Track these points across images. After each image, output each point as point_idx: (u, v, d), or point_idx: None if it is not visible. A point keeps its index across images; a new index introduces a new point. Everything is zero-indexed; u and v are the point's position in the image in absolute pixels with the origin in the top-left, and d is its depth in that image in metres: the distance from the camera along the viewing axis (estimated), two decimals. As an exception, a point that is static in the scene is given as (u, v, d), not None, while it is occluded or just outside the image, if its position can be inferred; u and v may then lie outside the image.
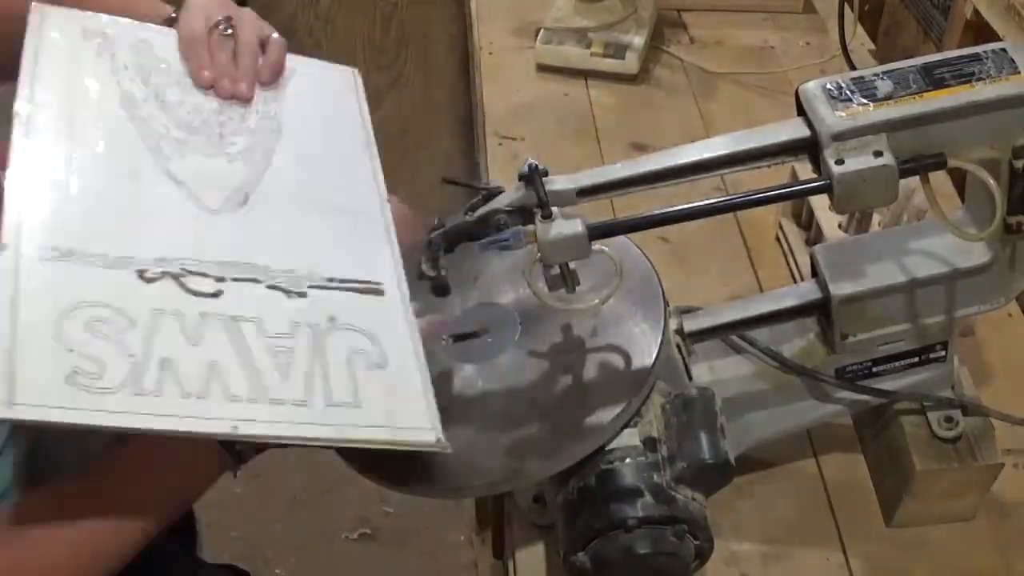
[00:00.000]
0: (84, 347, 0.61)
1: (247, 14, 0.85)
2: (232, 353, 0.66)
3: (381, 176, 0.85)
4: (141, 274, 0.67)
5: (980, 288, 0.80)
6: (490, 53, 1.53)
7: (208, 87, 0.82)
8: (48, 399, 0.58)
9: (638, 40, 1.44)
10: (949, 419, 0.86)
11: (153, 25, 0.84)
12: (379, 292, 0.74)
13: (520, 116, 1.40)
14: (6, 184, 0.68)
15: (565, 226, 0.69)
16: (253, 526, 1.67)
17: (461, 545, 1.68)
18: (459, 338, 0.84)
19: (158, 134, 0.77)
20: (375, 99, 2.97)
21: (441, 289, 0.77)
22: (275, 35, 0.87)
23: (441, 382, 0.79)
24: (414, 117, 2.56)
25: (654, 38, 1.50)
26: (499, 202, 0.73)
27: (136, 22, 0.83)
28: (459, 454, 0.76)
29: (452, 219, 0.76)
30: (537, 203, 0.70)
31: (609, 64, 1.43)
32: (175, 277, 0.68)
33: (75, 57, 0.78)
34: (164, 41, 0.83)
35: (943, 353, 0.85)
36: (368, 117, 0.89)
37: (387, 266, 0.76)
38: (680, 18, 1.58)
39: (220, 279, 0.69)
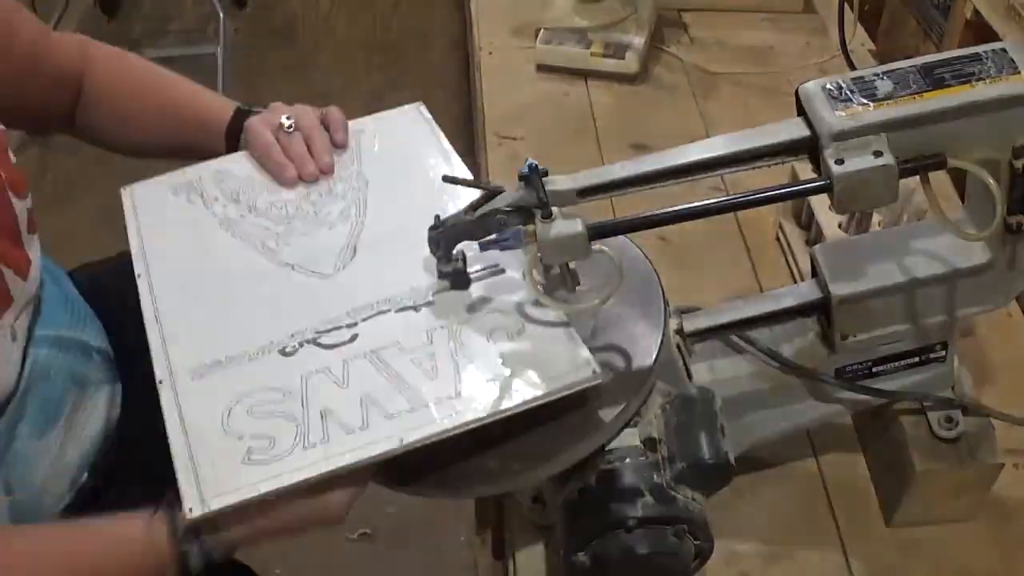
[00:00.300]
0: (251, 430, 0.71)
1: (299, 107, 0.97)
2: (381, 380, 0.74)
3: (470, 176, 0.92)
4: (283, 351, 0.77)
5: (980, 288, 0.80)
6: (490, 53, 1.53)
7: (295, 181, 0.93)
8: (233, 484, 0.68)
9: (638, 40, 1.44)
10: (949, 419, 0.86)
11: (225, 157, 0.97)
12: (501, 271, 0.81)
13: (520, 116, 1.40)
14: (149, 334, 0.79)
15: (565, 226, 0.69)
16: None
17: (461, 545, 1.67)
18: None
19: (261, 237, 0.88)
20: (375, 99, 2.98)
21: (460, 282, 0.78)
22: (332, 107, 0.98)
23: None
24: (414, 117, 2.56)
25: (654, 38, 1.50)
26: (499, 202, 0.73)
27: (211, 161, 0.96)
28: (460, 454, 0.76)
29: (452, 217, 0.76)
30: (537, 203, 0.70)
31: (609, 64, 1.43)
32: (312, 341, 0.77)
33: (172, 216, 0.90)
34: (238, 163, 0.96)
35: (943, 353, 0.85)
36: (442, 136, 0.98)
37: (494, 251, 0.81)
38: (680, 18, 1.58)
39: (352, 324, 0.78)
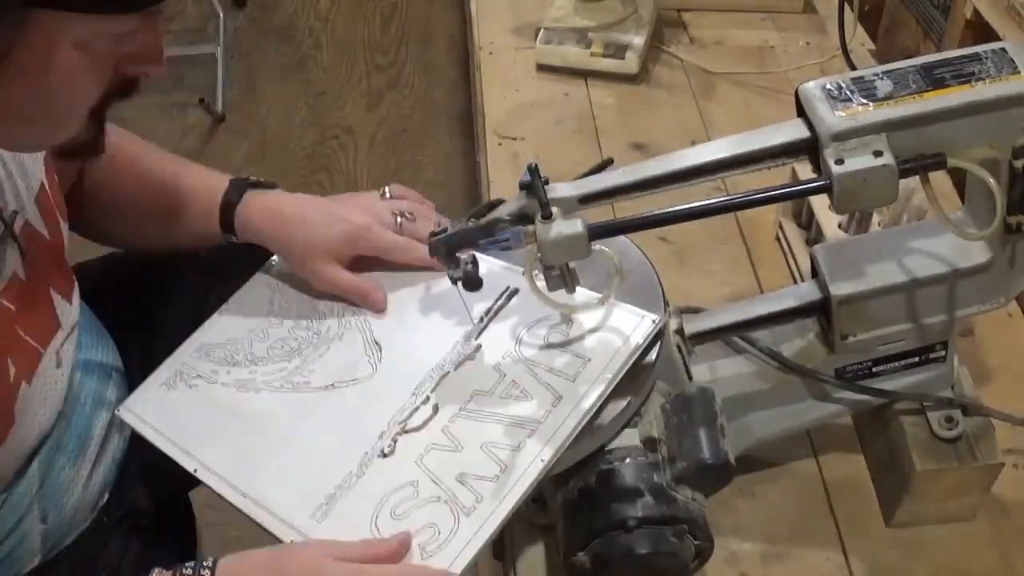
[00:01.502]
0: (411, 528, 0.72)
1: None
2: (489, 425, 0.77)
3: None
4: (382, 454, 0.77)
5: (980, 288, 0.80)
6: (490, 53, 1.53)
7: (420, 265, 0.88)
8: None
9: (638, 40, 1.44)
10: (949, 419, 0.86)
11: (195, 335, 0.92)
12: (516, 291, 0.84)
13: (520, 116, 1.40)
14: (253, 515, 0.77)
15: (565, 226, 0.69)
16: (253, 526, 1.67)
17: (461, 545, 1.67)
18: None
19: (282, 377, 0.86)
20: (375, 99, 2.97)
21: (472, 283, 0.79)
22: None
23: None
24: (414, 117, 2.56)
25: (654, 38, 1.50)
26: (502, 211, 0.73)
27: (185, 344, 0.91)
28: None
29: (454, 224, 0.76)
30: (538, 210, 0.70)
31: (609, 64, 1.43)
32: (402, 432, 0.78)
33: (184, 407, 0.86)
34: (212, 330, 0.92)
35: (943, 353, 0.85)
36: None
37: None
38: (680, 18, 1.58)
39: (426, 400, 0.80)
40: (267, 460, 0.80)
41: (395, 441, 0.78)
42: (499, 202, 0.75)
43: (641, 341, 0.77)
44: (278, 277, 0.95)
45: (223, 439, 0.82)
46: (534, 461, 0.73)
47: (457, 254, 0.78)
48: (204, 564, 0.71)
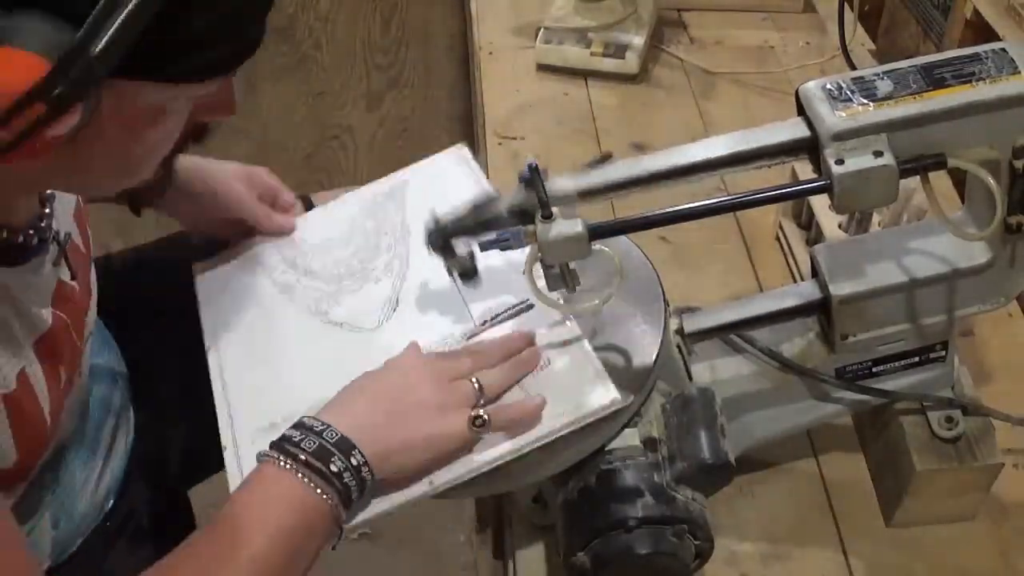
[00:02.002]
0: None
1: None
2: None
3: None
4: None
5: (980, 288, 0.80)
6: (490, 53, 1.53)
7: (280, 229, 0.98)
8: None
9: (638, 40, 1.44)
10: (949, 419, 0.86)
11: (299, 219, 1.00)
12: (531, 306, 0.83)
13: (520, 116, 1.40)
14: (217, 404, 0.82)
15: (565, 226, 0.69)
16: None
17: (461, 545, 1.67)
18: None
19: (315, 298, 0.91)
20: (375, 99, 2.97)
21: (467, 273, 0.79)
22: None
23: None
24: (414, 117, 2.56)
25: (654, 38, 1.50)
26: (500, 206, 0.73)
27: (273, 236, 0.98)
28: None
29: (449, 214, 0.76)
30: (537, 206, 0.70)
31: (609, 64, 1.43)
32: None
33: (237, 291, 0.94)
34: (300, 226, 0.99)
35: (943, 353, 0.85)
36: (482, 176, 0.98)
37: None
38: (680, 18, 1.58)
39: None
40: (259, 364, 0.85)
41: None
42: (496, 196, 0.75)
43: (591, 416, 0.74)
44: (359, 203, 1.00)
45: (241, 335, 0.89)
46: (422, 483, 0.74)
47: (456, 248, 0.77)
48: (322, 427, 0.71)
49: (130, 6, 0.51)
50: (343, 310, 0.89)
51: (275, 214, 0.98)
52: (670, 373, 0.80)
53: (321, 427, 0.70)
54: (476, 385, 0.74)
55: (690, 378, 0.83)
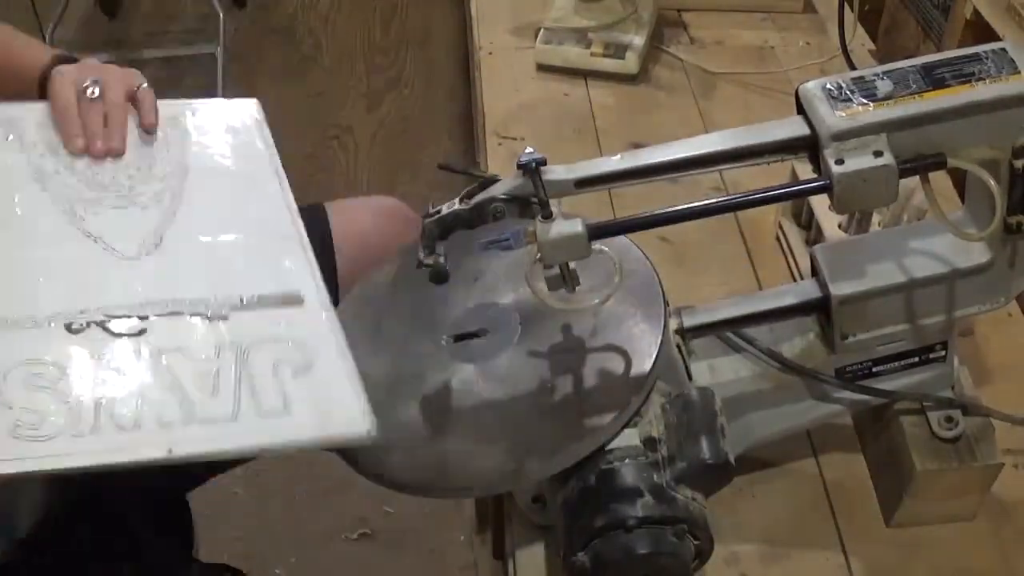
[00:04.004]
0: (23, 402, 0.69)
1: (113, 72, 0.91)
2: (161, 383, 0.73)
3: (289, 192, 0.90)
4: (68, 327, 0.74)
5: (980, 288, 0.80)
6: (490, 53, 1.53)
7: (82, 152, 0.87)
8: None
9: (638, 40, 1.44)
10: (949, 419, 0.86)
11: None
12: (299, 301, 0.80)
13: (520, 116, 1.40)
14: None
15: (565, 226, 0.69)
16: (253, 526, 1.67)
17: (461, 545, 1.67)
18: (459, 338, 0.84)
19: (71, 198, 0.84)
20: (375, 99, 2.96)
21: (439, 276, 0.76)
22: (144, 85, 0.92)
23: (441, 382, 0.80)
24: (414, 117, 2.56)
25: (654, 38, 1.50)
26: (495, 190, 0.72)
27: (43, 103, 0.90)
28: (459, 455, 0.76)
29: (447, 206, 0.75)
30: (534, 193, 0.70)
31: (609, 64, 1.43)
32: (100, 324, 0.75)
33: None
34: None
35: (943, 353, 0.85)
36: (271, 141, 0.95)
37: (305, 275, 0.81)
38: (680, 18, 1.58)
39: (143, 318, 0.76)
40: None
41: (87, 326, 0.75)
42: (493, 179, 0.74)
43: (334, 443, 0.72)
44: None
45: None
46: (152, 447, 0.69)
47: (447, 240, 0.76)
48: None
49: None
50: (100, 223, 0.83)
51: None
52: (670, 373, 0.80)
53: None
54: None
55: (690, 378, 0.83)
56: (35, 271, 0.78)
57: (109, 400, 0.71)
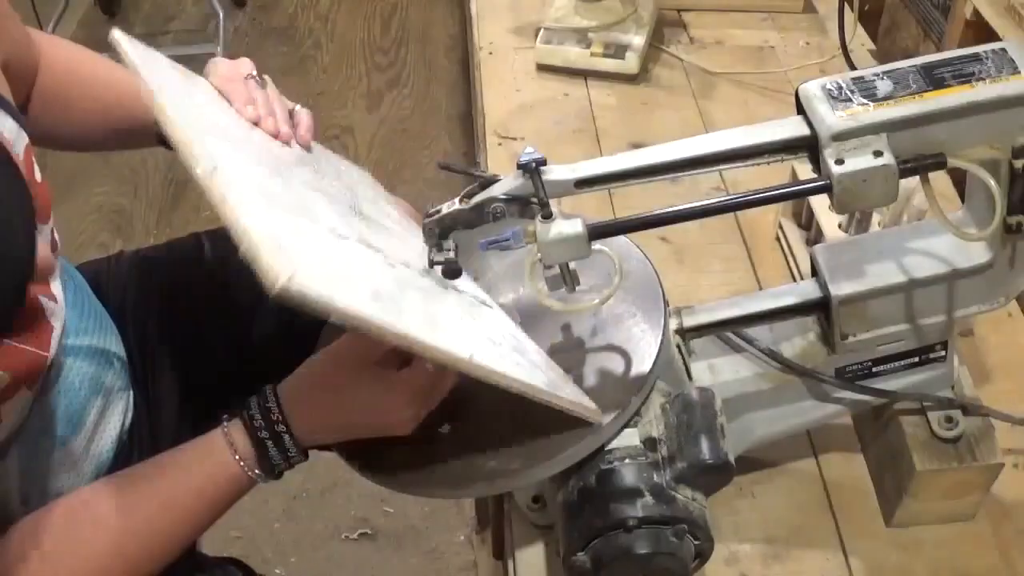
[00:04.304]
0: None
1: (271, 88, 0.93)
2: (498, 315, 0.81)
3: None
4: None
5: (980, 288, 0.80)
6: (490, 53, 1.53)
7: (255, 122, 0.87)
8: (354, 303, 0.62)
9: (638, 40, 1.44)
10: (949, 419, 0.86)
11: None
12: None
13: (520, 116, 1.40)
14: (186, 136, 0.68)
15: (565, 226, 0.69)
16: (253, 526, 1.67)
17: (461, 545, 1.68)
18: None
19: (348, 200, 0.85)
20: (375, 99, 2.97)
21: (452, 272, 0.77)
22: (298, 107, 0.94)
23: None
24: (414, 117, 2.56)
25: (654, 38, 1.50)
26: (496, 190, 0.72)
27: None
28: (459, 454, 0.76)
29: (447, 205, 0.76)
30: (534, 193, 0.70)
31: (609, 64, 1.43)
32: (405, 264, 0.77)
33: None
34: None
35: (943, 353, 0.85)
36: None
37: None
38: (680, 18, 1.58)
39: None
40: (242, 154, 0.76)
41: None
42: (493, 179, 0.74)
43: (580, 408, 0.73)
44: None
45: (214, 123, 0.80)
46: (463, 347, 0.68)
47: (449, 238, 0.76)
48: (268, 399, 0.75)
49: None
50: (307, 179, 0.83)
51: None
52: (670, 373, 0.80)
53: (282, 429, 0.74)
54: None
55: (690, 378, 0.83)
56: (295, 185, 0.77)
57: (439, 313, 0.72)
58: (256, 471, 0.75)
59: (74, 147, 1.05)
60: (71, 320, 0.84)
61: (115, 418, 0.89)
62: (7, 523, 0.77)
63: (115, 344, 0.92)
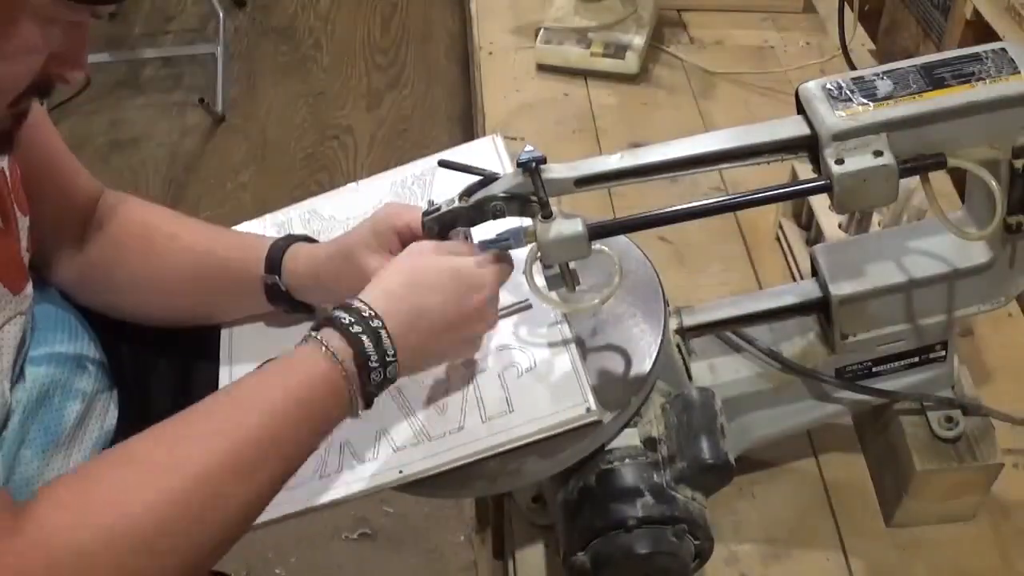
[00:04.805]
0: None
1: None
2: (397, 415, 0.78)
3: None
4: None
5: (980, 288, 0.80)
6: (490, 53, 1.53)
7: None
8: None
9: (638, 40, 1.44)
10: (949, 419, 0.86)
11: (316, 198, 1.01)
12: (528, 307, 0.82)
13: (520, 116, 1.40)
14: None
15: (565, 226, 0.69)
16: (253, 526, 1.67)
17: (461, 545, 1.67)
18: None
19: None
20: (375, 99, 2.97)
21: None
22: None
23: None
24: (414, 117, 2.56)
25: (654, 38, 1.50)
26: (495, 188, 0.72)
27: (302, 203, 1.01)
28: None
29: (446, 203, 0.76)
30: (533, 191, 0.70)
31: (609, 64, 1.43)
32: None
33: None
34: (325, 202, 1.01)
35: (943, 353, 0.85)
36: (511, 167, 0.93)
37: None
38: (680, 18, 1.58)
39: None
40: None
41: None
42: (493, 176, 0.74)
43: (560, 427, 0.73)
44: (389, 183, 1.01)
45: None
46: (390, 470, 0.74)
47: (450, 233, 0.77)
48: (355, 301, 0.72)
49: None
50: None
51: None
52: (670, 373, 0.80)
53: (378, 324, 0.70)
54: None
55: (690, 378, 0.83)
56: None
57: (352, 441, 0.77)
58: (352, 369, 0.69)
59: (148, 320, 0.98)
60: (41, 333, 0.84)
61: (95, 420, 0.88)
62: None
63: (91, 348, 0.91)
